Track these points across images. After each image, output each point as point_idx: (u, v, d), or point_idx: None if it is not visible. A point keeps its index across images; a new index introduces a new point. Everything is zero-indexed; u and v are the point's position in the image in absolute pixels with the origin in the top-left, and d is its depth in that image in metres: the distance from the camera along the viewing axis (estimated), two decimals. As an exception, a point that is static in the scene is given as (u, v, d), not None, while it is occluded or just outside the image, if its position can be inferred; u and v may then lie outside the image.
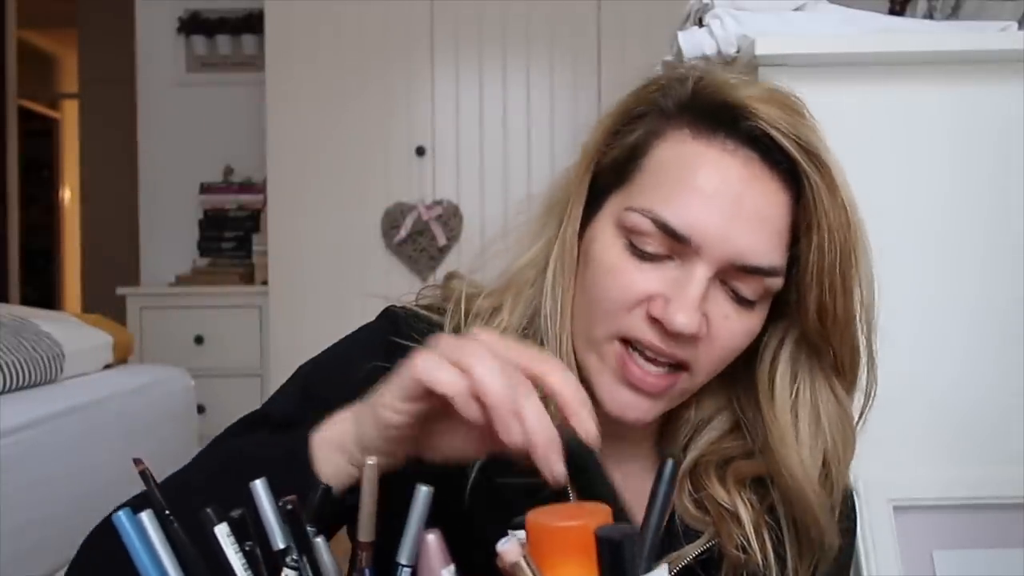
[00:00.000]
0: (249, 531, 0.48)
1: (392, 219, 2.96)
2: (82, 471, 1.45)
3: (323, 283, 3.00)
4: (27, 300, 4.11)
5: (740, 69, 1.13)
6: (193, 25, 3.61)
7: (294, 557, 0.48)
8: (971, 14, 1.63)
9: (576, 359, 0.65)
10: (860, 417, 0.71)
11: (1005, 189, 1.10)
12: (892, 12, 1.96)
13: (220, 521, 0.47)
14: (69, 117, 5.96)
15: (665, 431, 0.71)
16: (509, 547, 0.42)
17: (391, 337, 0.66)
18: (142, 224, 3.69)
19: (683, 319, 0.59)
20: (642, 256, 0.61)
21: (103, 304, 3.39)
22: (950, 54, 1.09)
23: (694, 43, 1.20)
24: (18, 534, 1.25)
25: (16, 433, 1.29)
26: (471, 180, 2.92)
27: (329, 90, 2.99)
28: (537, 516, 0.43)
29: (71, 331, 1.68)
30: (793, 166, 0.61)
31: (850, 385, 0.68)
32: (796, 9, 1.19)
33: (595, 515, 0.43)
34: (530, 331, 0.67)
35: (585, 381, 0.63)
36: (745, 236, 0.60)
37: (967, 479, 1.08)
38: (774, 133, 0.60)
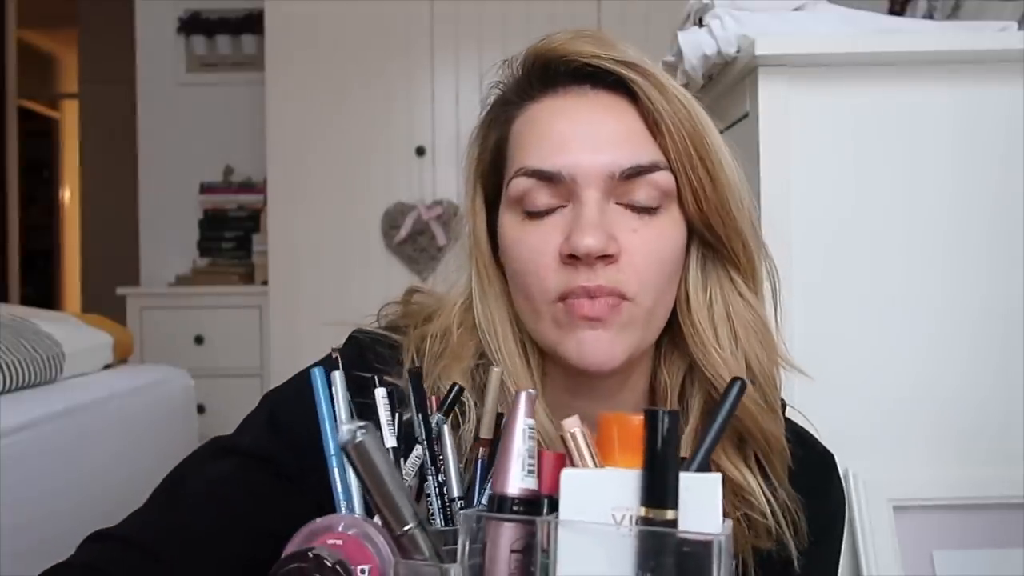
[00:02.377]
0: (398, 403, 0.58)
1: (392, 219, 2.96)
2: (82, 471, 1.45)
3: (323, 283, 3.00)
4: (27, 300, 4.11)
5: (739, 69, 1.13)
6: (193, 25, 3.61)
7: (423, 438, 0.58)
8: (971, 14, 1.63)
9: (535, 344, 0.69)
10: (776, 309, 0.73)
11: (1006, 189, 1.10)
12: (892, 12, 1.96)
13: (379, 385, 0.58)
14: (69, 117, 5.96)
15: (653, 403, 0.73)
16: (570, 420, 0.48)
17: (355, 372, 0.65)
18: (142, 224, 3.69)
19: (587, 240, 0.61)
20: (538, 215, 0.65)
21: (103, 304, 3.39)
22: (950, 54, 1.09)
23: (694, 43, 1.20)
24: (18, 534, 1.25)
25: (16, 433, 1.29)
26: (471, 180, 2.92)
27: (329, 90, 2.99)
28: (609, 414, 0.49)
29: (71, 331, 1.68)
30: (619, 79, 0.65)
31: (753, 282, 0.69)
32: (796, 9, 1.19)
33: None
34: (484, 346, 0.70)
35: (548, 363, 0.69)
36: (608, 148, 0.63)
37: (967, 479, 1.08)
38: (591, 60, 0.65)
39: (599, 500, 0.46)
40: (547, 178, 0.64)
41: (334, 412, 0.57)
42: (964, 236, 1.10)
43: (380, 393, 0.58)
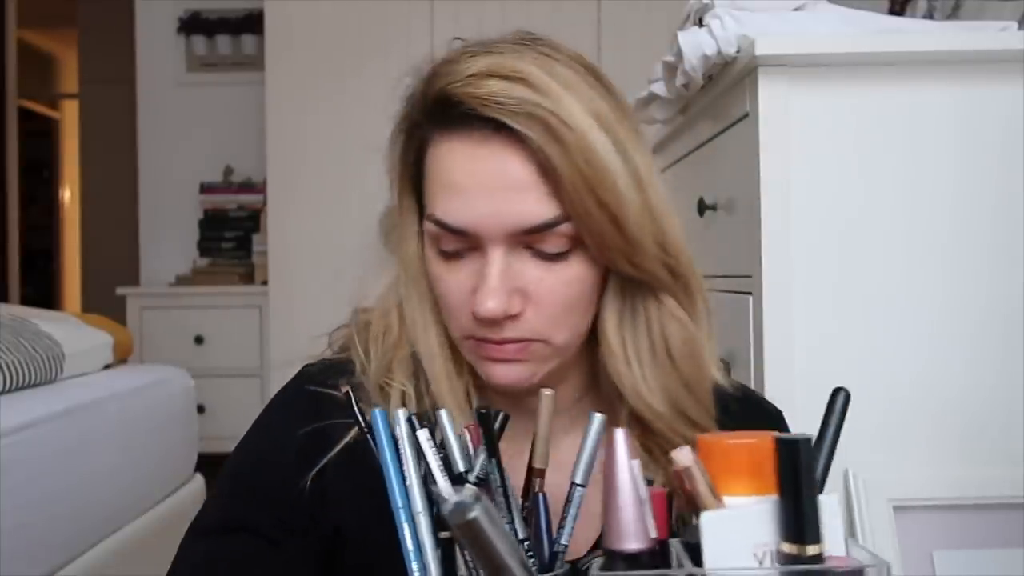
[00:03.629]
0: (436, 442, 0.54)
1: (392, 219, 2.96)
2: (82, 471, 1.45)
3: (323, 283, 3.00)
4: (27, 300, 4.11)
5: (739, 69, 1.13)
6: (193, 25, 3.62)
7: (478, 475, 0.52)
8: (971, 14, 1.63)
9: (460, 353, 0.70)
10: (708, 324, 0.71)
11: (1006, 189, 1.10)
12: (892, 12, 1.96)
13: (422, 426, 0.53)
14: (69, 117, 5.96)
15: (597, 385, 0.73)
16: (683, 453, 0.45)
17: (313, 411, 0.68)
18: (142, 224, 3.69)
19: (489, 305, 0.61)
20: (449, 257, 0.65)
21: (103, 304, 3.39)
22: (950, 54, 1.09)
23: (694, 43, 1.20)
24: (18, 534, 1.25)
25: (16, 433, 1.29)
26: (471, 180, 2.92)
27: (329, 90, 2.99)
28: (709, 438, 0.47)
29: (71, 331, 1.68)
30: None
31: (687, 298, 0.68)
32: (796, 9, 1.19)
33: (762, 438, 0.46)
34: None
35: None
36: (509, 206, 0.62)
37: (967, 479, 1.08)
38: (480, 109, 0.62)
39: (739, 540, 0.44)
40: (452, 231, 0.63)
41: (399, 460, 0.53)
42: (964, 236, 1.10)
43: (424, 436, 0.53)
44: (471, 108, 0.62)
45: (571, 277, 0.64)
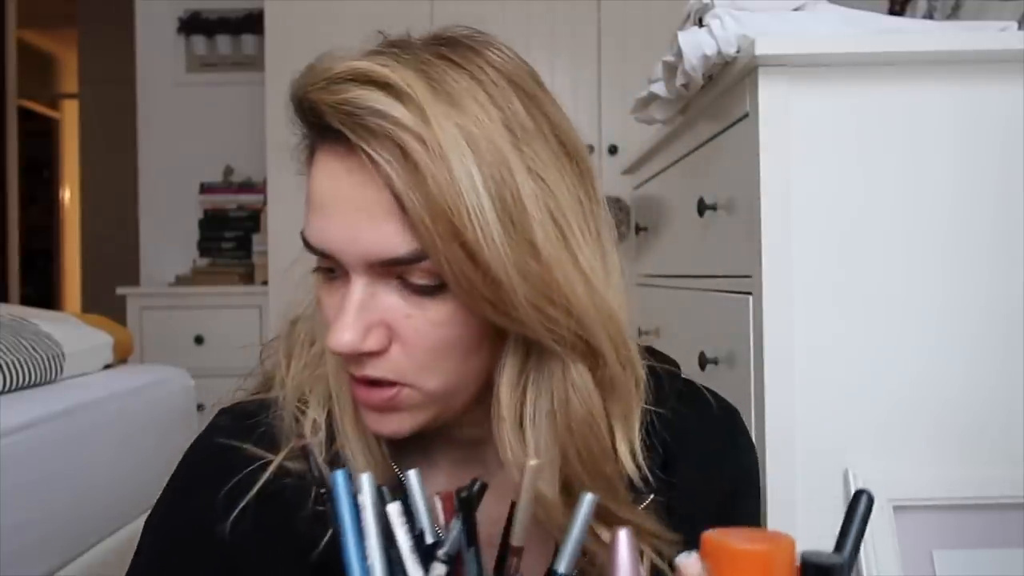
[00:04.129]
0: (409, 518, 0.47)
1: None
2: (82, 471, 1.45)
3: (323, 283, 3.00)
4: (27, 300, 4.11)
5: (739, 69, 1.13)
6: (193, 25, 3.61)
7: (446, 551, 0.47)
8: (971, 14, 1.63)
9: None
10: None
11: (1006, 189, 1.10)
12: (892, 12, 1.96)
13: (393, 500, 0.47)
14: (69, 117, 5.96)
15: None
16: (691, 562, 0.40)
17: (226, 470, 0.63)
18: (142, 224, 3.69)
19: (340, 337, 0.54)
20: (327, 276, 0.59)
21: (103, 304, 3.39)
22: (950, 54, 1.09)
23: (694, 43, 1.20)
24: (18, 534, 1.25)
25: (16, 433, 1.29)
26: (471, 180, 2.92)
27: (329, 90, 2.99)
28: (716, 536, 0.41)
29: (71, 331, 1.68)
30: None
31: (594, 361, 0.59)
32: (796, 9, 1.19)
33: (777, 542, 0.41)
34: None
35: None
36: (366, 233, 0.54)
37: (967, 479, 1.08)
38: (328, 117, 0.54)
39: None
40: (317, 253, 0.58)
41: (359, 526, 0.45)
42: (964, 236, 1.10)
43: (395, 509, 0.46)
44: (326, 120, 0.54)
45: (443, 318, 0.55)
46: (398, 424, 0.59)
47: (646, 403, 0.63)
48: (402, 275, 0.55)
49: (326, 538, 0.58)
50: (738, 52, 1.15)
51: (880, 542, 1.04)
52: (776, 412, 1.09)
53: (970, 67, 1.10)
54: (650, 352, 0.70)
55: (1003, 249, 1.10)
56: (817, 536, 1.15)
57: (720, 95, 1.25)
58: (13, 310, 1.69)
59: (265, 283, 3.21)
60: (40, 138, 5.92)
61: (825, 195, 1.10)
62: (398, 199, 0.52)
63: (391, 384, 0.57)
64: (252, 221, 3.51)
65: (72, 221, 5.70)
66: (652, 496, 0.61)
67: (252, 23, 3.52)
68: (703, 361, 1.33)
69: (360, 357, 0.56)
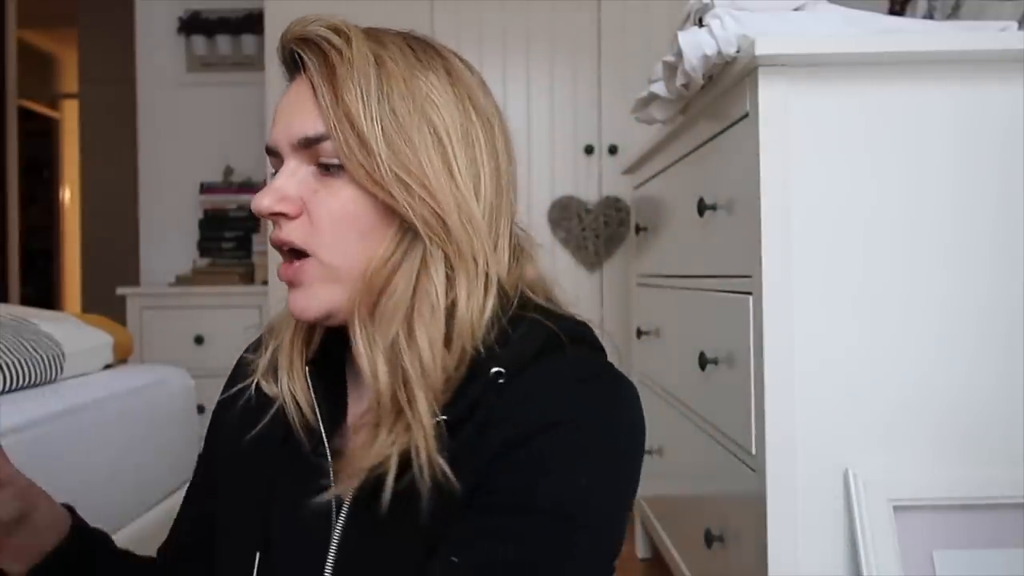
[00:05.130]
0: None
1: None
2: (82, 471, 1.45)
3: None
4: (27, 300, 4.11)
5: (739, 69, 1.13)
6: (193, 25, 3.61)
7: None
8: (971, 14, 1.63)
9: None
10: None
11: (1006, 189, 1.10)
12: (892, 12, 1.97)
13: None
14: (69, 117, 5.96)
15: None
16: None
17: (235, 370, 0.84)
18: (142, 224, 3.69)
19: (257, 200, 0.69)
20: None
21: (103, 304, 3.39)
22: (950, 54, 1.09)
23: (694, 43, 1.20)
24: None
25: (16, 433, 1.29)
26: (471, 180, 2.92)
27: (329, 90, 2.99)
28: None
29: (71, 331, 1.68)
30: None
31: (459, 262, 0.68)
32: (796, 9, 1.19)
33: None
34: None
35: None
36: (294, 118, 0.70)
37: (967, 479, 1.08)
38: (288, 40, 0.73)
39: None
40: (269, 152, 0.73)
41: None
42: (964, 236, 1.10)
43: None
44: (288, 44, 0.73)
45: (344, 197, 0.68)
46: (305, 299, 0.70)
47: (497, 342, 0.68)
48: (317, 158, 0.69)
49: (257, 428, 0.75)
50: (738, 52, 1.15)
51: (880, 542, 1.04)
52: (776, 412, 1.09)
53: (970, 67, 1.10)
54: (576, 330, 0.73)
55: (1002, 248, 1.10)
56: (817, 536, 1.16)
57: (720, 95, 1.25)
58: (13, 310, 1.69)
59: (265, 283, 3.21)
60: (40, 138, 5.92)
61: (825, 195, 1.10)
62: (315, 91, 0.69)
63: (300, 256, 0.70)
64: (252, 221, 3.50)
65: (72, 221, 5.70)
66: (443, 419, 0.66)
67: (252, 23, 3.52)
68: (703, 361, 1.33)
69: (279, 220, 0.70)
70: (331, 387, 0.76)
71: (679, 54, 1.24)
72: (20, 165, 4.21)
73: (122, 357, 1.91)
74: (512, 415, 0.65)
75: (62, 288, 6.10)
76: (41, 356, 1.50)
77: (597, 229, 2.87)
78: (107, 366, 1.81)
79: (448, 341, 0.67)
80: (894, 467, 1.09)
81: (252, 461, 0.75)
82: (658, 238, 1.87)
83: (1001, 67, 1.09)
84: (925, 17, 1.79)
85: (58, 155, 6.29)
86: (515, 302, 0.71)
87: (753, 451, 1.14)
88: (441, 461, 0.63)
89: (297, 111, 0.71)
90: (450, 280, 0.68)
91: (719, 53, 1.16)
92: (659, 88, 1.46)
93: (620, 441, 0.68)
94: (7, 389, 1.40)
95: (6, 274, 4.08)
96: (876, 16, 1.19)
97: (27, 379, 1.46)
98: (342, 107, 0.67)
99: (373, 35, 0.73)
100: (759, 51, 1.06)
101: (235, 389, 0.79)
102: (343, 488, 0.67)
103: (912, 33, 1.16)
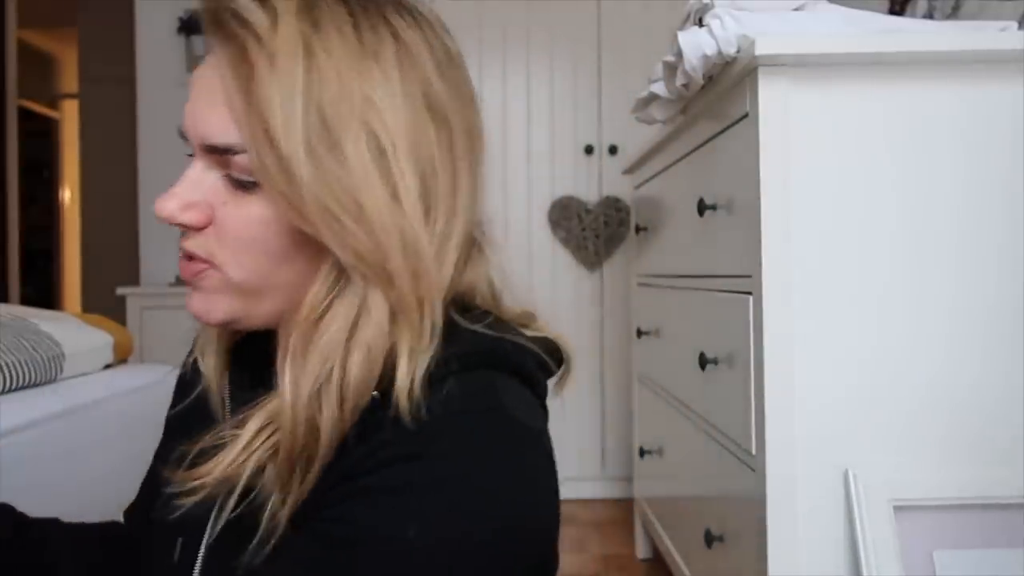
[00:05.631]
0: None
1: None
2: (82, 471, 1.45)
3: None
4: (27, 300, 4.11)
5: (739, 69, 1.13)
6: (193, 25, 3.61)
7: None
8: (971, 14, 1.63)
9: None
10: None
11: (1007, 189, 1.10)
12: (892, 12, 1.97)
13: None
14: (69, 117, 5.96)
15: None
16: None
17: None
18: (142, 224, 3.69)
19: (159, 205, 0.60)
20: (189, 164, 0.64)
21: (103, 304, 3.39)
22: (950, 54, 1.09)
23: (694, 43, 1.20)
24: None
25: (16, 433, 1.29)
26: (471, 180, 2.92)
27: (329, 90, 3.00)
28: None
29: (71, 331, 1.68)
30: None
31: (401, 308, 0.57)
32: (796, 9, 1.19)
33: None
34: None
35: None
36: (203, 114, 0.59)
37: (967, 479, 1.08)
38: (202, 20, 0.60)
39: None
40: (180, 135, 0.64)
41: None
42: (963, 236, 1.10)
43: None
44: (202, 18, 0.60)
45: (256, 216, 0.58)
46: (204, 304, 0.62)
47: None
48: (226, 167, 0.59)
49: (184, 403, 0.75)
50: (738, 52, 1.15)
51: (880, 542, 1.04)
52: (776, 412, 1.09)
53: (970, 67, 1.10)
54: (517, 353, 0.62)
55: (1002, 248, 1.10)
56: (817, 536, 1.16)
57: (720, 95, 1.25)
58: (13, 310, 1.69)
59: (265, 283, 3.21)
60: (40, 138, 5.92)
61: (825, 195, 1.10)
62: (227, 93, 0.57)
63: (203, 261, 0.61)
64: (252, 221, 3.51)
65: (72, 221, 5.70)
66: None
67: (252, 23, 3.53)
68: (703, 361, 1.33)
69: (188, 231, 0.61)
70: (254, 369, 0.67)
71: (679, 54, 1.24)
72: (20, 165, 4.21)
73: (122, 357, 1.91)
74: (371, 441, 0.55)
75: (62, 288, 6.10)
76: (41, 356, 1.50)
77: (597, 229, 2.87)
78: (107, 366, 1.81)
79: (378, 385, 0.57)
80: (894, 467, 1.09)
81: (180, 436, 0.67)
82: (658, 238, 1.87)
83: (1001, 67, 1.09)
84: (925, 17, 1.79)
85: (58, 155, 6.28)
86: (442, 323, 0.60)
87: (753, 451, 1.14)
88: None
89: (205, 103, 0.59)
90: (392, 326, 0.57)
91: (719, 53, 1.16)
92: (659, 88, 1.46)
93: (495, 494, 0.54)
94: (7, 389, 1.40)
95: (6, 274, 4.08)
96: (876, 16, 1.19)
97: (27, 379, 1.46)
98: (257, 116, 0.55)
99: (309, 6, 0.58)
100: (759, 51, 1.06)
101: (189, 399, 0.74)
102: (190, 500, 0.58)
103: (912, 33, 1.16)
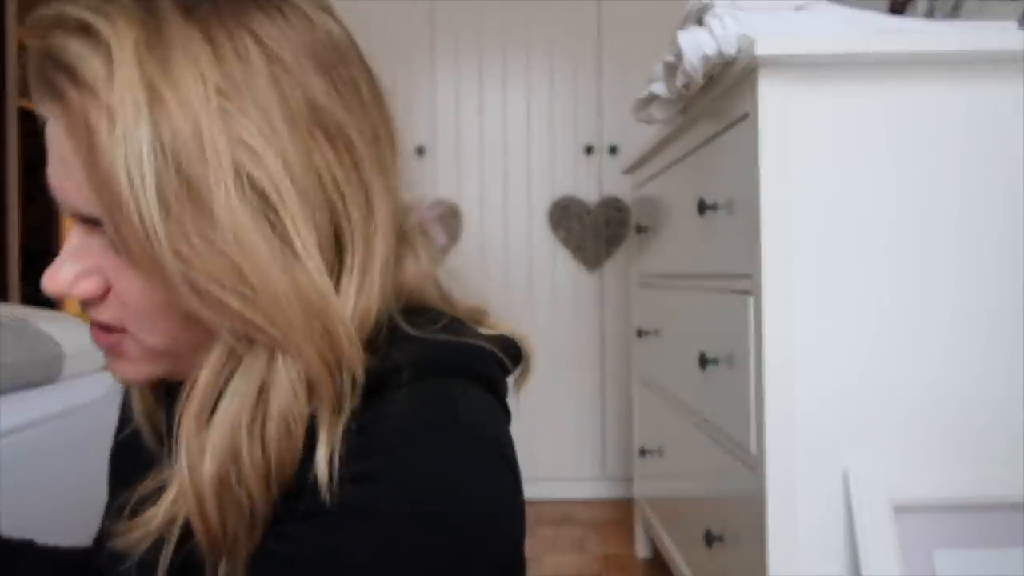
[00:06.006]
0: None
1: (392, 219, 2.97)
2: (82, 471, 1.45)
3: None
4: (27, 300, 4.11)
5: (739, 69, 1.13)
6: (193, 25, 3.62)
7: None
8: (971, 14, 1.63)
9: None
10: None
11: (1007, 189, 1.10)
12: (892, 12, 1.96)
13: None
14: (69, 117, 5.95)
15: None
16: None
17: None
18: (142, 224, 3.69)
19: (45, 281, 0.53)
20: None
21: (103, 304, 3.38)
22: (950, 54, 1.09)
23: (694, 43, 1.20)
24: (17, 534, 1.25)
25: (16, 433, 1.29)
26: (471, 180, 2.92)
27: (329, 90, 3.00)
28: None
29: (71, 331, 1.68)
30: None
31: (269, 365, 0.51)
32: (796, 9, 1.19)
33: None
34: None
35: None
36: (63, 182, 0.51)
37: (967, 479, 1.08)
38: (30, 73, 0.52)
39: None
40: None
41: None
42: (964, 236, 1.10)
43: None
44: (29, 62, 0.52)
45: (144, 287, 0.51)
46: (126, 370, 0.56)
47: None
48: (104, 231, 0.52)
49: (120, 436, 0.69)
50: (738, 52, 1.15)
51: (880, 542, 1.04)
52: (776, 412, 1.09)
53: (970, 67, 1.10)
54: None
55: (1002, 248, 1.10)
56: (817, 536, 1.16)
57: (720, 95, 1.25)
58: (13, 310, 1.69)
59: (265, 283, 3.21)
60: (40, 138, 5.90)
61: (825, 195, 1.10)
62: (71, 163, 0.50)
63: (121, 330, 0.54)
64: (252, 221, 3.51)
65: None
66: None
67: (252, 23, 3.53)
68: (703, 361, 1.33)
69: (90, 300, 0.54)
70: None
71: (679, 54, 1.24)
72: (20, 165, 4.21)
73: (122, 357, 1.91)
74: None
75: (62, 288, 6.09)
76: (41, 356, 1.50)
77: (597, 229, 2.87)
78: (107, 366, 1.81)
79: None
80: (894, 467, 1.09)
81: (126, 473, 0.62)
82: (658, 238, 1.87)
83: (1001, 67, 1.09)
84: (925, 17, 1.79)
85: (58, 155, 6.28)
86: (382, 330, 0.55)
87: (753, 451, 1.14)
88: None
89: (61, 171, 0.51)
90: (309, 391, 0.51)
91: (719, 53, 1.16)
92: (659, 88, 1.46)
93: (453, 511, 0.50)
94: (7, 389, 1.40)
95: (6, 274, 4.08)
96: (876, 16, 1.19)
97: (27, 379, 1.46)
98: (105, 186, 0.47)
99: (153, 33, 0.48)
100: (759, 51, 1.06)
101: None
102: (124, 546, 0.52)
103: (912, 33, 1.16)
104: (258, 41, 0.50)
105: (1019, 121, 1.09)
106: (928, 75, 1.10)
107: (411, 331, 0.55)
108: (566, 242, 2.88)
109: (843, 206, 1.10)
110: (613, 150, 2.85)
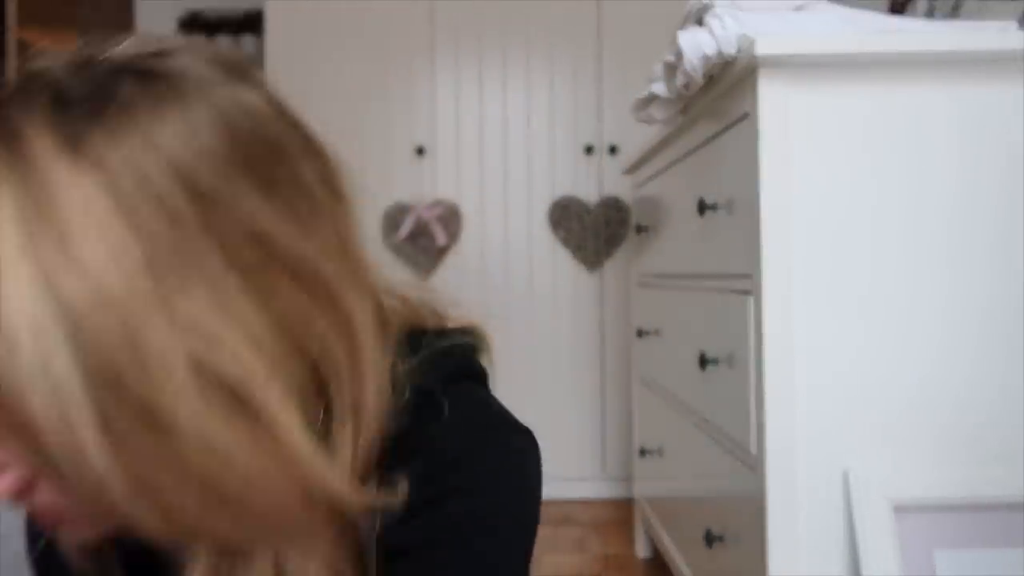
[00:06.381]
0: None
1: (392, 219, 2.97)
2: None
3: (323, 283, 2.99)
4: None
5: (739, 69, 1.13)
6: (193, 25, 3.62)
7: None
8: (971, 14, 1.63)
9: None
10: None
11: (1007, 189, 1.10)
12: (892, 12, 1.96)
13: None
14: (69, 117, 5.96)
15: None
16: None
17: None
18: (142, 224, 3.69)
19: None
20: None
21: (103, 304, 3.38)
22: (950, 54, 1.09)
23: (694, 43, 1.20)
24: (18, 535, 1.25)
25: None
26: (471, 180, 2.92)
27: (329, 90, 2.99)
28: None
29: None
30: None
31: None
32: (796, 9, 1.19)
33: None
34: None
35: None
36: None
37: (967, 479, 1.08)
38: None
39: None
40: None
41: None
42: (964, 236, 1.10)
43: None
44: None
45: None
46: (79, 534, 0.47)
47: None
48: None
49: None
50: (738, 52, 1.15)
51: (880, 542, 1.04)
52: (776, 412, 1.09)
53: (970, 67, 1.10)
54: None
55: (1002, 249, 1.10)
56: (817, 536, 1.16)
57: (720, 95, 1.25)
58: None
59: (265, 283, 3.21)
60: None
61: (825, 195, 1.10)
62: None
63: (54, 518, 0.45)
64: (252, 221, 3.51)
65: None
66: None
67: (252, 23, 3.53)
68: (703, 361, 1.33)
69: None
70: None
71: (679, 54, 1.24)
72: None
73: (122, 357, 1.91)
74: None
75: (62, 288, 6.10)
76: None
77: (597, 229, 2.87)
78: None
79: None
80: (894, 467, 1.09)
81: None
82: (658, 238, 1.87)
83: (1001, 67, 1.10)
84: (925, 17, 1.79)
85: (58, 155, 6.28)
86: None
87: (753, 451, 1.14)
88: None
89: None
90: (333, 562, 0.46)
91: (719, 53, 1.16)
92: (659, 88, 1.46)
93: (520, 506, 0.52)
94: (7, 389, 1.40)
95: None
96: (876, 16, 1.19)
97: (27, 379, 1.45)
98: (16, 425, 0.36)
99: (45, 214, 0.35)
100: (759, 51, 1.06)
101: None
102: None
103: (912, 33, 1.16)
104: (173, 167, 0.37)
105: (1019, 121, 1.09)
106: (928, 75, 1.10)
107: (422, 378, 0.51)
108: (566, 242, 2.88)
109: (843, 206, 1.10)
110: (613, 150, 2.85)
